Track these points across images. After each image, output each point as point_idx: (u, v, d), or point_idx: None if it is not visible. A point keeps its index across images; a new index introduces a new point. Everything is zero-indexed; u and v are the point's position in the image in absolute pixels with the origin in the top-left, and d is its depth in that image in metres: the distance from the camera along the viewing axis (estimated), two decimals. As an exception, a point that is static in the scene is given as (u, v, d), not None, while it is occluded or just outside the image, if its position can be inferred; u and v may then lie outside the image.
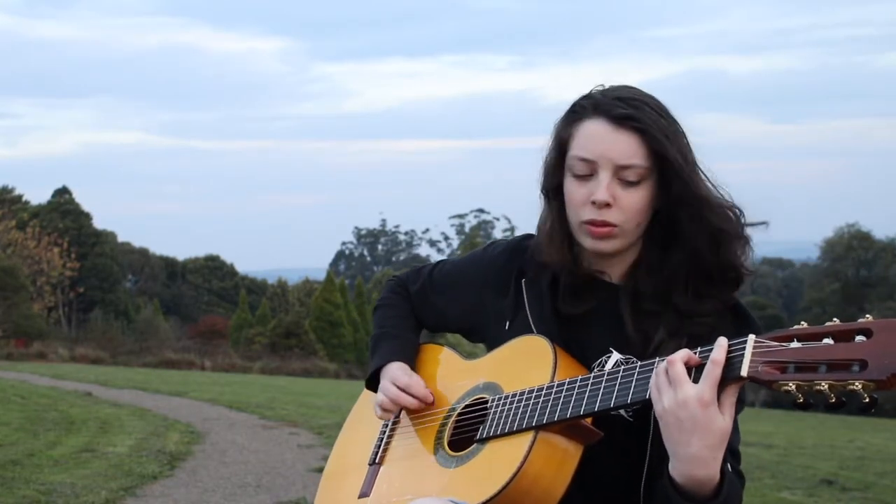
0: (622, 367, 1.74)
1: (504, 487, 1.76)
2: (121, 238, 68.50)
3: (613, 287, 1.93)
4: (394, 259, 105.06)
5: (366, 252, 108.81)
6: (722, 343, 1.58)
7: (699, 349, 1.63)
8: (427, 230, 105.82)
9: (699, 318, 1.84)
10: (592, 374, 1.78)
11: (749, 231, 1.88)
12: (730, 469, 1.69)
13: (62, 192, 61.22)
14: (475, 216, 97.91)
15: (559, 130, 1.93)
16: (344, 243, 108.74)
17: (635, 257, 1.93)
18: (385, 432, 2.15)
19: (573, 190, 1.89)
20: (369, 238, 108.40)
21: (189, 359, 36.23)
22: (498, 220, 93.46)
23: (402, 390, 2.04)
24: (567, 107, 1.95)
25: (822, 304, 55.32)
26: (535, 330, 1.95)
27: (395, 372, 2.08)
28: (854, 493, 8.71)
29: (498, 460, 1.82)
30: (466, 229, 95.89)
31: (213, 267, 73.31)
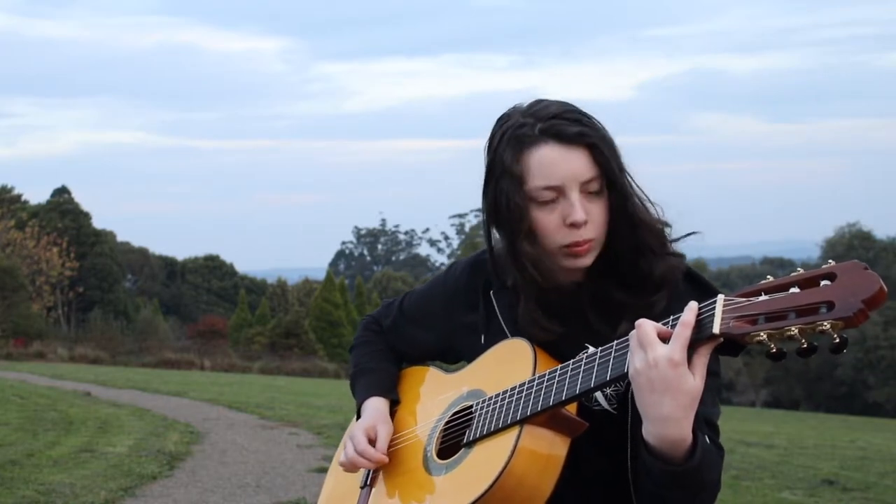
0: (600, 349, 1.75)
1: (492, 485, 1.74)
2: (120, 238, 68.64)
3: (577, 290, 1.93)
4: (394, 259, 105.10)
5: (366, 252, 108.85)
6: (692, 306, 1.61)
7: (671, 318, 1.65)
8: (427, 230, 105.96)
9: (649, 300, 1.86)
10: (571, 361, 1.78)
11: (675, 244, 1.91)
12: (708, 441, 1.72)
13: (61, 192, 61.24)
14: (475, 216, 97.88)
15: (508, 165, 1.87)
16: (344, 243, 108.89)
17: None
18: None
19: (542, 218, 1.85)
20: (369, 238, 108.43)
21: (188, 359, 36.25)
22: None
23: (359, 454, 2.06)
24: (499, 129, 1.90)
25: (822, 303, 55.16)
26: (510, 336, 1.95)
27: (356, 430, 2.10)
28: (855, 493, 8.70)
29: (485, 459, 1.81)
30: (466, 229, 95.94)
31: (213, 266, 73.34)
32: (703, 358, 1.60)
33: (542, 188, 1.84)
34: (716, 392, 1.86)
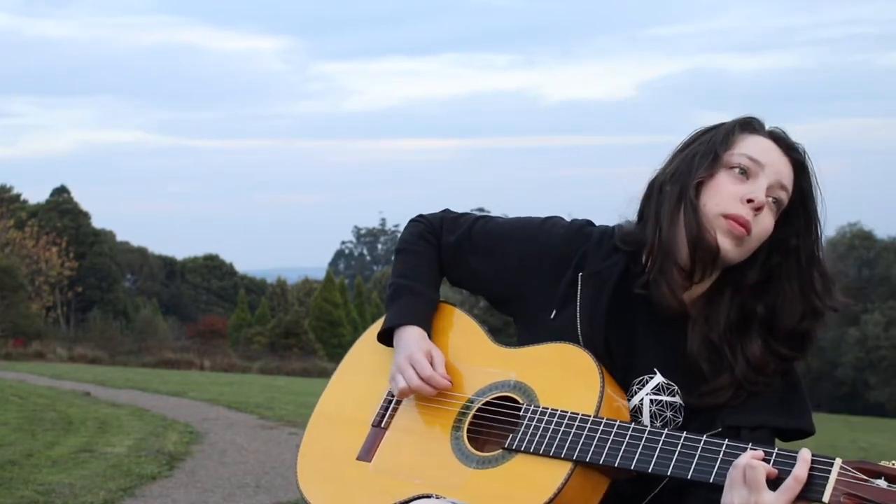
0: (683, 433, 1.69)
1: None
2: (119, 237, 68.58)
3: (683, 306, 1.84)
4: (393, 258, 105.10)
5: (365, 251, 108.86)
6: (806, 458, 1.55)
7: (776, 451, 1.59)
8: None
9: (764, 377, 1.81)
10: (648, 430, 1.71)
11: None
12: None
13: (61, 192, 61.22)
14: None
15: (723, 134, 1.86)
16: (343, 242, 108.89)
17: (708, 287, 1.86)
18: (394, 395, 2.01)
19: (726, 182, 1.82)
20: (369, 237, 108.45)
21: (188, 358, 36.21)
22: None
23: (425, 381, 1.92)
24: (711, 126, 1.92)
25: (823, 303, 55.17)
26: (580, 330, 1.87)
27: (416, 353, 1.96)
28: (858, 493, 8.67)
29: (528, 481, 1.75)
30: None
31: (212, 266, 73.33)
32: None
33: (742, 155, 1.82)
34: None
